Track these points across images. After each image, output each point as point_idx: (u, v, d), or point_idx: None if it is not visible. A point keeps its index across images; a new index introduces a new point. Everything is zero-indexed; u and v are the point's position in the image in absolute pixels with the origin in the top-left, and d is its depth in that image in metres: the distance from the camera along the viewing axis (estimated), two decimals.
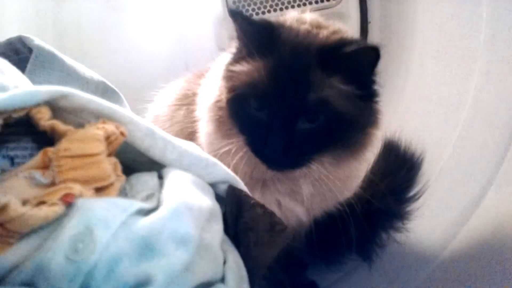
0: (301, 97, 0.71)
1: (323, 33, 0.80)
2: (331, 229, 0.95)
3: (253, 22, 0.77)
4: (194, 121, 0.88)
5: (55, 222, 0.39)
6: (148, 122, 0.54)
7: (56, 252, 0.37)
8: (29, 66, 0.72)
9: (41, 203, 0.38)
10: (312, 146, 0.75)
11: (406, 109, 1.33)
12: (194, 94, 0.93)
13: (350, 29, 1.44)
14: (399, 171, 1.05)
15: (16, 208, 0.35)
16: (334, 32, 0.82)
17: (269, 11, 1.42)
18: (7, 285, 0.36)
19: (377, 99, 0.80)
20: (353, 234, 0.96)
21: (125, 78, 1.14)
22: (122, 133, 0.48)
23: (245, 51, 0.78)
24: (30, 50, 0.75)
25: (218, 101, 0.83)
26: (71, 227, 0.38)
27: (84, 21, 1.36)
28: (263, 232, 0.61)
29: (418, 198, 1.04)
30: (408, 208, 1.04)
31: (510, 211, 0.79)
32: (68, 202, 0.39)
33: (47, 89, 0.45)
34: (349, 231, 0.95)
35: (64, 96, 0.46)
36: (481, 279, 0.80)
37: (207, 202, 0.51)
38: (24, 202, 0.38)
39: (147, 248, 0.40)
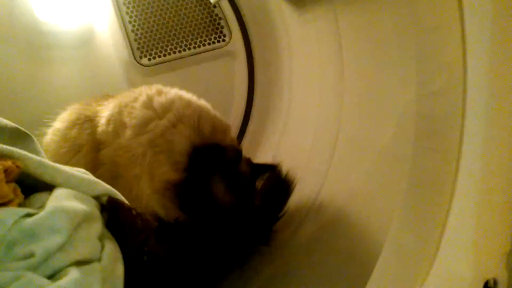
0: None
1: None
2: None
3: None
4: None
5: None
6: (41, 158, 0.79)
7: None
8: None
9: None
10: None
11: (289, 130, 1.64)
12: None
13: (239, 65, 1.75)
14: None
15: None
16: None
17: (169, 53, 1.70)
18: None
19: None
20: None
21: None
22: (17, 166, 0.73)
23: None
24: None
25: None
26: None
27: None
28: (134, 226, 0.88)
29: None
30: None
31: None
32: None
33: None
34: None
35: None
36: None
37: (82, 207, 0.76)
38: None
39: (32, 235, 0.65)
